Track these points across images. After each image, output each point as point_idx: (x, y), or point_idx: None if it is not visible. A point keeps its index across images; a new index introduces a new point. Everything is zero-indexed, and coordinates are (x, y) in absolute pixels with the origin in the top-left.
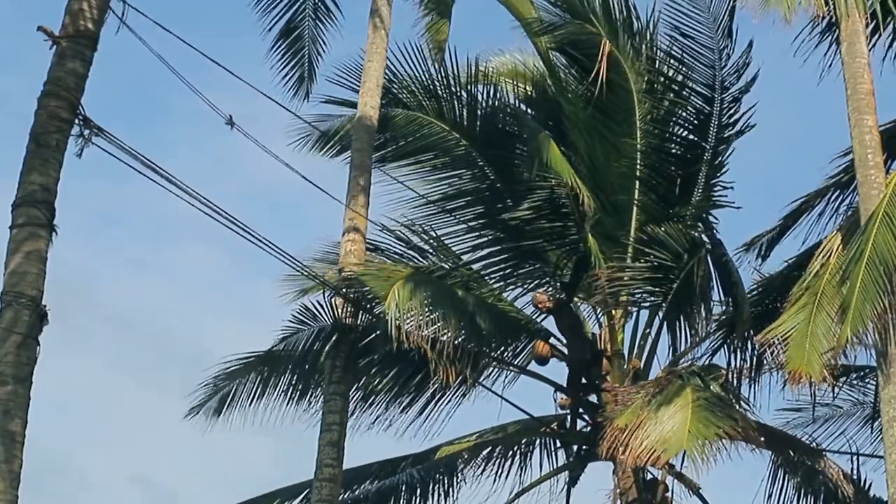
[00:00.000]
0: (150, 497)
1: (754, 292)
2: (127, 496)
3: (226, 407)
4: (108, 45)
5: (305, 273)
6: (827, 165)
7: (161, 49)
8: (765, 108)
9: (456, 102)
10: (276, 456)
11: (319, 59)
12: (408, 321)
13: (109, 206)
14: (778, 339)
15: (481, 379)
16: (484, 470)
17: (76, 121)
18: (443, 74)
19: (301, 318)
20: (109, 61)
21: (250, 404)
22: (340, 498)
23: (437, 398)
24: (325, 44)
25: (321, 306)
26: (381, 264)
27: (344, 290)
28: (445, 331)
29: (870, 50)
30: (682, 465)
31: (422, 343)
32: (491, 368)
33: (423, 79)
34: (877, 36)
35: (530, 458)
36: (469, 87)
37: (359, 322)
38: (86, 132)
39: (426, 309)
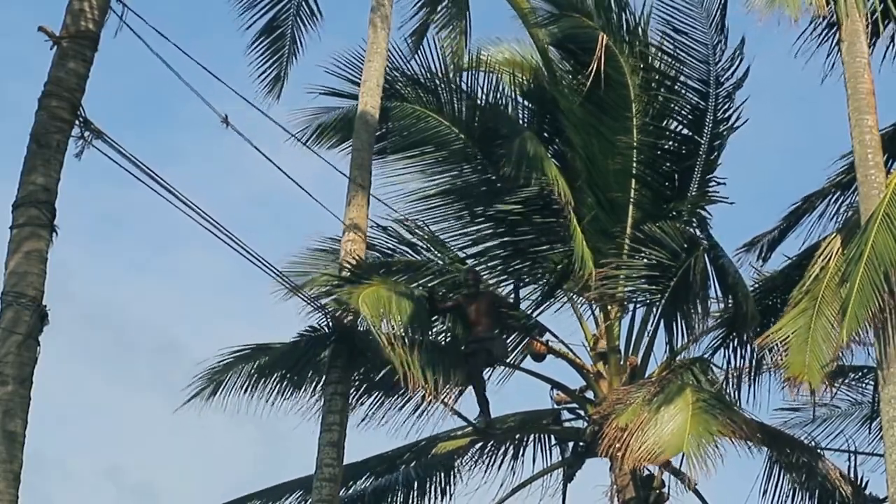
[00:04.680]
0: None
1: (754, 291)
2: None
3: (216, 396)
4: (120, 52)
5: (292, 290)
6: (827, 166)
7: (167, 52)
8: (767, 112)
9: (454, 96)
10: (255, 449)
11: (295, 59)
12: (390, 329)
13: (113, 209)
14: (777, 343)
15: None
16: (481, 466)
17: (76, 122)
18: (442, 70)
19: (303, 334)
20: (120, 69)
21: (243, 394)
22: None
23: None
24: (303, 45)
25: (320, 324)
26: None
27: (325, 303)
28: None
29: (870, 50)
30: (681, 464)
31: (400, 359)
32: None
33: (423, 73)
34: (877, 36)
35: (525, 455)
36: (468, 81)
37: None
38: (86, 134)
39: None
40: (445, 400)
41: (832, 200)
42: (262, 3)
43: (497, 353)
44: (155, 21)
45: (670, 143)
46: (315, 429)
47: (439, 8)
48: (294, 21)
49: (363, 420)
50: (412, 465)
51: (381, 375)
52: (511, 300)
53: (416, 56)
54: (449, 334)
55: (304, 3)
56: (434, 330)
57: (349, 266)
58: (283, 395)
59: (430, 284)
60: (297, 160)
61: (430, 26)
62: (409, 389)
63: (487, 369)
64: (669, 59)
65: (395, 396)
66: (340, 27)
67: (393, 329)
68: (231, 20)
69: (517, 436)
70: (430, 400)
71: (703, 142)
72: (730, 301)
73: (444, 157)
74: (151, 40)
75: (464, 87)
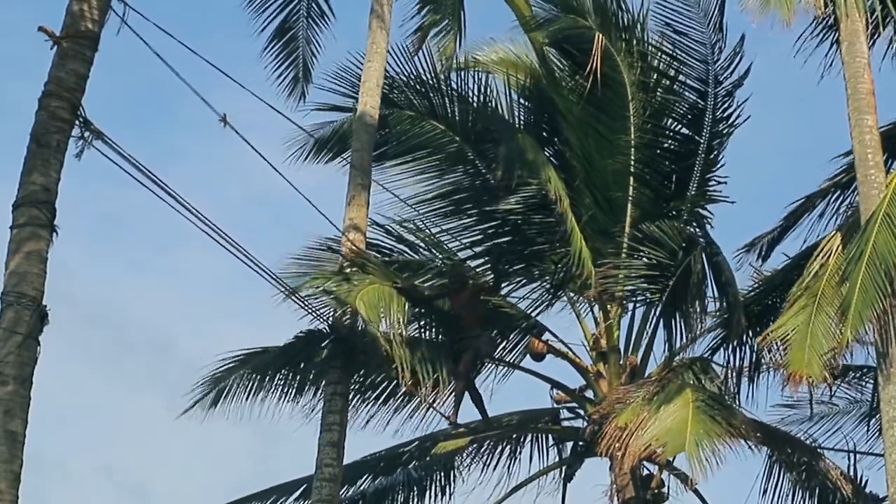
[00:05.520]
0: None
1: (754, 290)
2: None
3: (220, 401)
4: (120, 52)
5: (289, 295)
6: (827, 166)
7: (167, 52)
8: (766, 112)
9: (447, 99)
10: (254, 448)
11: (314, 59)
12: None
13: (113, 209)
14: (777, 342)
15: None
16: (481, 465)
17: (76, 122)
18: (434, 73)
19: (303, 336)
20: (120, 69)
21: (244, 398)
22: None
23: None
24: (319, 45)
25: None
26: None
27: (323, 303)
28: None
29: (870, 50)
30: (674, 461)
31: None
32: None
33: (416, 77)
34: (877, 36)
35: (522, 453)
36: (463, 82)
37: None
38: (86, 134)
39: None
40: (437, 399)
41: (832, 200)
42: (271, 7)
43: (484, 351)
44: (154, 21)
45: (669, 142)
46: (314, 429)
47: (432, 7)
48: (306, 22)
49: (366, 421)
50: (412, 464)
51: (380, 375)
52: (493, 284)
53: (416, 57)
54: (444, 332)
55: (313, 4)
56: (430, 328)
57: (350, 256)
58: (283, 396)
59: (428, 283)
60: (296, 162)
61: (425, 26)
62: (404, 389)
63: (477, 367)
64: (668, 59)
65: (395, 396)
66: (341, 27)
67: (391, 328)
68: (231, 20)
69: (516, 435)
70: (426, 401)
71: (702, 141)
72: (724, 303)
73: (440, 160)
74: (152, 40)
75: (458, 89)
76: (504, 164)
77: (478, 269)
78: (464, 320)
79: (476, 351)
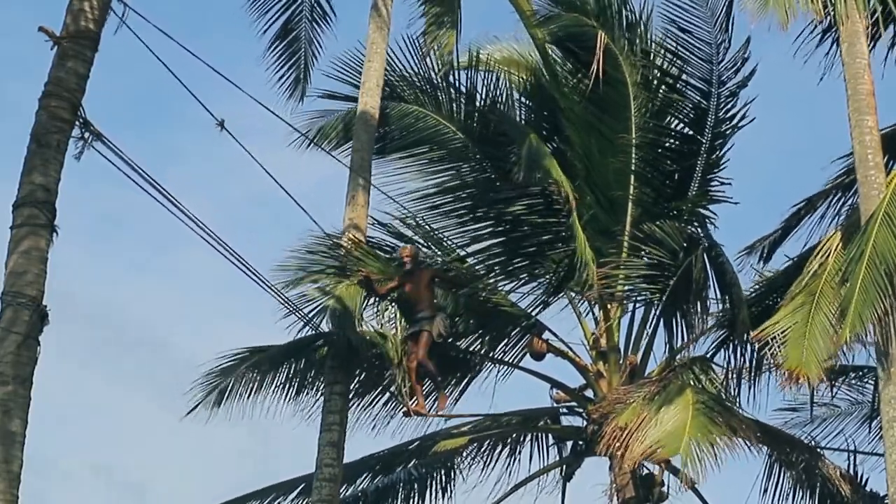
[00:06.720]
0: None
1: (756, 291)
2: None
3: (222, 402)
4: (120, 52)
5: (285, 304)
6: (827, 167)
7: (167, 54)
8: (766, 113)
9: (452, 96)
10: (254, 448)
11: (315, 60)
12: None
13: (113, 209)
14: (774, 337)
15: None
16: (481, 464)
17: (77, 122)
18: (440, 69)
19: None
20: (120, 69)
21: (245, 397)
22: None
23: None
24: (320, 45)
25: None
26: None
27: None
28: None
29: (870, 51)
30: (679, 464)
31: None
32: (483, 364)
33: (422, 73)
34: (877, 37)
35: (522, 452)
36: (467, 79)
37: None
38: (86, 135)
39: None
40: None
41: (833, 202)
42: (274, 8)
43: (437, 333)
44: (154, 21)
45: (671, 141)
46: (315, 429)
47: (433, 4)
48: (308, 23)
49: (371, 422)
50: (412, 463)
51: (377, 373)
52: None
53: (417, 55)
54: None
55: (316, 4)
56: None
57: (349, 249)
58: (283, 396)
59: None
60: (297, 162)
61: (428, 22)
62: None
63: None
64: (671, 57)
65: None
66: (341, 28)
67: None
68: (232, 21)
69: (516, 434)
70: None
71: (704, 141)
72: (727, 302)
73: (442, 155)
74: (152, 41)
75: (462, 86)
76: (525, 167)
77: (477, 267)
78: (418, 306)
79: (429, 335)
